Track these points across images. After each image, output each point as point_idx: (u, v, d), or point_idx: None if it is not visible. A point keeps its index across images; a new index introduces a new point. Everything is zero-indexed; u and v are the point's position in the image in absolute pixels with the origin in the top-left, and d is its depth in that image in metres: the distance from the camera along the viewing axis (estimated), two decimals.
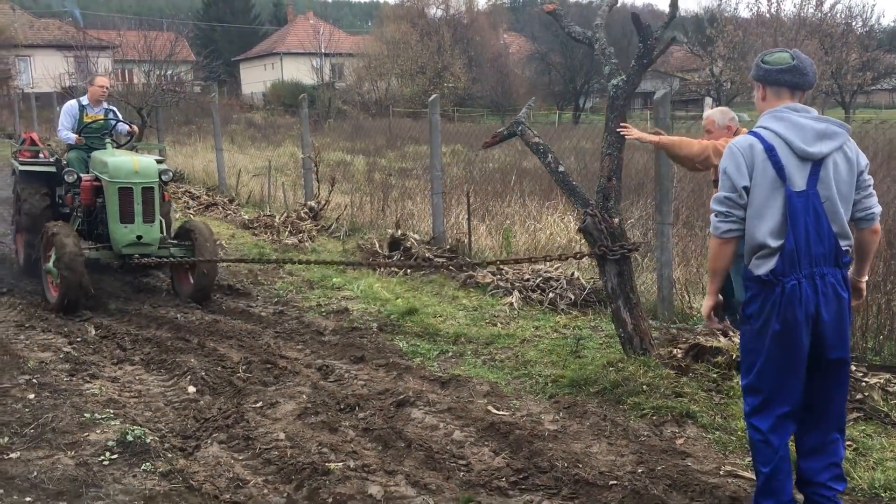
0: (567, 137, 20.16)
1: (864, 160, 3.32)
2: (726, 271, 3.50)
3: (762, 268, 3.25)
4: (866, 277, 3.56)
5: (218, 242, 10.15)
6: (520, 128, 5.72)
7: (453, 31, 49.03)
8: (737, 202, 3.26)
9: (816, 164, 3.18)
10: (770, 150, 3.19)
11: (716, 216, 3.35)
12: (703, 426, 4.71)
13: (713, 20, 40.69)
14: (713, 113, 5.82)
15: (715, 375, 5.13)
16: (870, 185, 3.33)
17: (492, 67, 50.25)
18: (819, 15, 36.60)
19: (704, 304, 3.64)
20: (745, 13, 64.58)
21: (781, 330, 3.23)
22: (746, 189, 3.23)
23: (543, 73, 55.22)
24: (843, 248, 3.25)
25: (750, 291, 3.35)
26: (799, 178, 3.17)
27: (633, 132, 5.32)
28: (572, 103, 53.87)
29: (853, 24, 39.73)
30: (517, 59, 56.40)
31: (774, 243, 3.20)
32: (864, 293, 3.60)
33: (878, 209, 3.35)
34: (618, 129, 5.24)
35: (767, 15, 37.40)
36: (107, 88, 8.65)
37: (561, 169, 5.51)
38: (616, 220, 5.18)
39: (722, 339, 5.45)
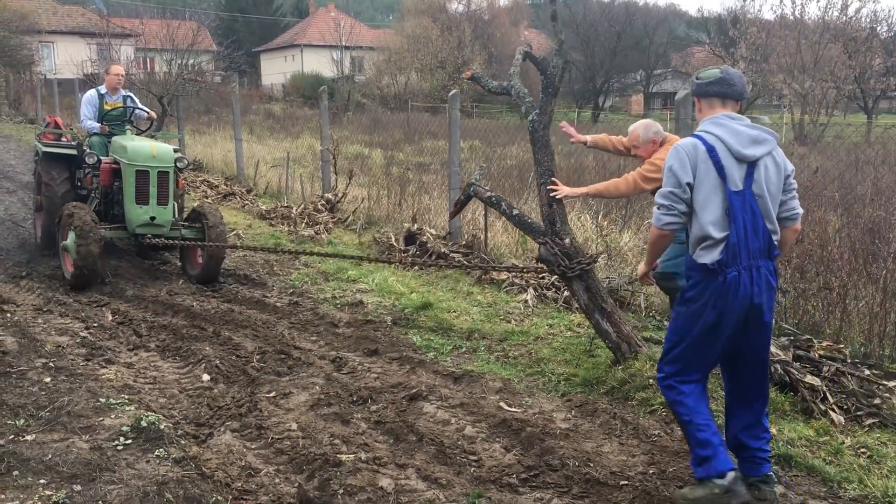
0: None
1: (790, 165, 3.65)
2: (660, 254, 3.94)
3: (706, 257, 3.54)
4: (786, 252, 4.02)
5: (235, 232, 10.24)
6: (472, 188, 6.06)
7: (474, 26, 48.88)
8: (680, 197, 3.55)
9: (751, 166, 3.51)
10: (711, 151, 3.50)
11: (658, 209, 3.64)
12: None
13: (736, 21, 40.34)
14: (637, 127, 5.63)
15: None
16: (794, 189, 3.68)
17: (512, 64, 50.10)
18: (843, 19, 36.20)
19: (640, 269, 4.21)
20: (768, 15, 64.11)
21: (716, 315, 3.54)
22: (690, 185, 3.53)
23: (563, 70, 55.03)
24: (774, 242, 3.57)
25: (692, 279, 3.64)
26: (737, 178, 3.49)
27: (562, 190, 5.42)
28: (592, 102, 53.67)
29: (878, 28, 39.33)
30: (538, 56, 56.21)
31: (718, 235, 3.50)
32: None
33: (800, 210, 3.71)
34: (550, 192, 5.40)
35: (791, 17, 37.04)
36: (122, 76, 9.01)
37: (515, 212, 5.75)
38: (567, 240, 5.31)
39: None
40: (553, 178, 5.45)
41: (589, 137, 6.00)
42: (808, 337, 5.57)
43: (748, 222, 3.48)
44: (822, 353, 5.33)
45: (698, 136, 3.57)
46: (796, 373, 5.03)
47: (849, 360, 5.31)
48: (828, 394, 4.87)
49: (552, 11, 6.17)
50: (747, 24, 38.29)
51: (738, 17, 41.54)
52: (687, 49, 62.90)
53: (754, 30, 37.66)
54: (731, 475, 3.57)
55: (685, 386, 3.72)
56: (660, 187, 4.44)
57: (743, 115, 3.62)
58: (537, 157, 5.53)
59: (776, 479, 3.86)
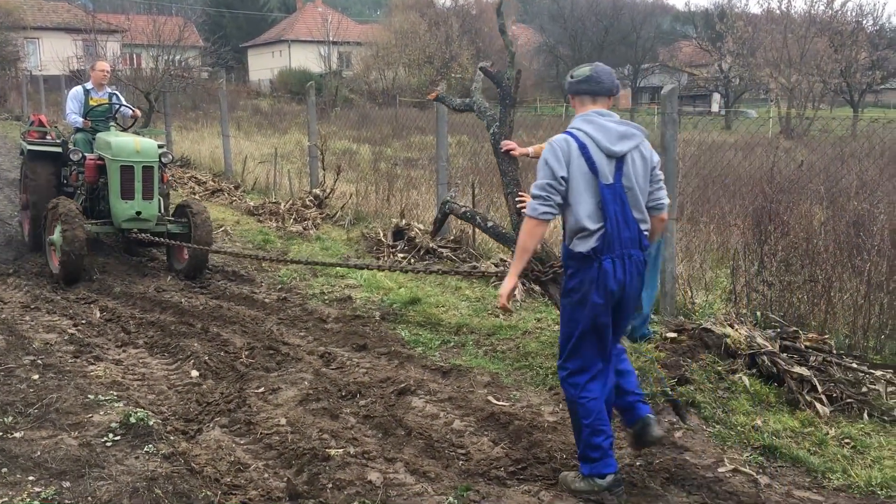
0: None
1: (656, 157, 3.84)
2: (533, 251, 3.93)
3: (582, 246, 3.73)
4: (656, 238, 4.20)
5: (223, 228, 10.23)
6: (448, 206, 6.13)
7: (462, 21, 48.82)
8: (556, 189, 3.71)
9: (620, 161, 3.69)
10: (583, 148, 3.68)
11: (535, 199, 3.77)
12: (704, 418, 4.73)
13: (723, 16, 40.51)
14: None
15: (720, 369, 5.13)
16: (661, 180, 3.88)
17: (499, 59, 50.12)
18: (829, 12, 36.38)
19: (506, 284, 3.98)
20: (755, 9, 64.36)
21: (597, 301, 3.71)
22: (564, 178, 3.69)
23: (551, 65, 55.12)
24: (644, 232, 3.78)
25: (570, 269, 3.83)
26: (607, 172, 3.67)
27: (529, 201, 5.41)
28: None
29: (863, 22, 39.53)
30: (525, 52, 56.17)
31: (593, 226, 3.68)
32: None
33: (666, 200, 3.90)
34: (518, 203, 5.37)
35: (778, 11, 37.21)
36: (108, 73, 9.03)
37: (489, 224, 5.80)
38: (538, 246, 5.29)
39: (730, 328, 5.44)
40: (520, 192, 5.39)
41: (531, 149, 5.99)
42: (795, 329, 5.62)
43: (619, 214, 3.68)
44: (808, 344, 5.38)
45: (570, 133, 3.73)
46: (783, 363, 5.07)
47: (834, 352, 5.36)
48: (816, 383, 4.93)
49: (500, 25, 6.34)
50: (734, 18, 38.48)
51: (725, 11, 41.73)
52: (674, 43, 63.04)
53: (741, 24, 37.84)
54: (610, 478, 3.77)
55: (591, 385, 3.82)
56: None
57: (612, 112, 3.78)
58: (502, 168, 5.59)
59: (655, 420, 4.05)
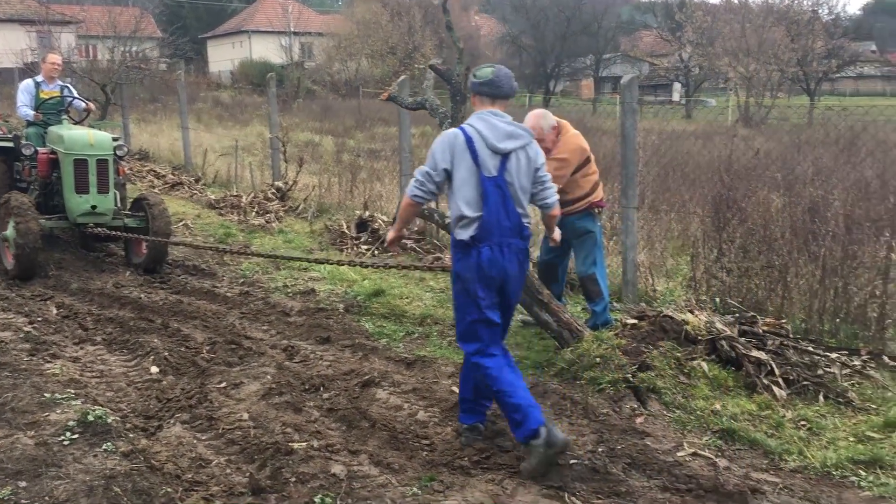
0: None
1: (541, 160, 4.09)
2: (410, 222, 4.50)
3: (464, 234, 3.98)
4: (554, 234, 4.70)
5: (183, 222, 10.10)
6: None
7: (424, 11, 48.67)
8: (433, 178, 4.00)
9: (505, 157, 3.94)
10: (469, 142, 3.93)
11: (414, 181, 4.06)
12: (665, 404, 4.79)
13: (682, 5, 40.89)
14: (537, 121, 5.66)
15: (679, 355, 5.18)
16: (545, 180, 4.14)
17: (463, 49, 50.05)
18: (786, 2, 36.92)
19: (389, 235, 4.45)
20: None
21: (480, 286, 3.98)
22: (446, 171, 3.97)
23: (514, 55, 55.13)
24: (525, 224, 4.01)
25: (455, 256, 4.08)
26: (491, 166, 3.91)
27: None
28: (542, 86, 53.91)
29: (819, 11, 40.19)
30: (488, 42, 56.22)
31: (472, 214, 3.93)
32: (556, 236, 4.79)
33: (552, 199, 4.18)
34: None
35: (736, 1, 37.65)
36: (59, 65, 8.89)
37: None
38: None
39: (690, 314, 5.50)
40: None
41: None
42: (753, 314, 5.71)
43: (499, 205, 3.92)
44: (765, 329, 5.47)
45: (462, 128, 4.01)
46: (742, 347, 5.15)
47: (791, 336, 5.46)
48: (774, 367, 5.01)
49: (446, 22, 6.43)
50: (693, 8, 38.87)
51: (685, 1, 42.10)
52: (635, 33, 63.54)
53: (700, 14, 38.28)
54: (542, 431, 3.87)
55: (489, 360, 4.05)
56: (573, 172, 5.51)
57: (505, 113, 4.04)
58: None
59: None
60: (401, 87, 9.26)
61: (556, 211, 4.29)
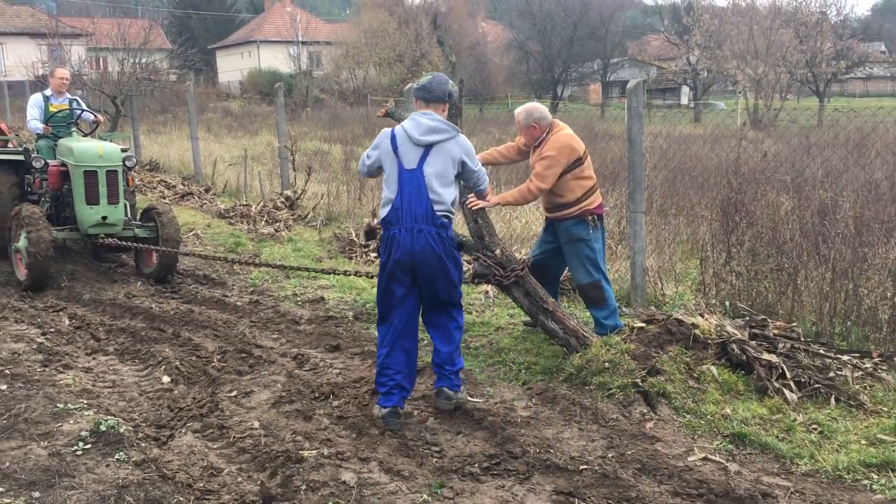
0: None
1: (464, 154, 4.52)
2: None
3: (383, 212, 4.52)
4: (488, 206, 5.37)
5: (193, 232, 10.15)
6: None
7: (433, 16, 48.78)
8: (366, 162, 4.69)
9: (426, 150, 4.40)
10: (393, 138, 4.49)
11: (361, 160, 4.78)
12: (675, 408, 4.79)
13: (690, 9, 40.85)
14: (519, 112, 5.75)
15: (688, 359, 5.17)
16: (475, 171, 4.65)
17: (470, 56, 50.13)
18: (794, 4, 36.85)
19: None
20: (721, 2, 64.95)
21: (391, 265, 4.44)
22: (370, 157, 4.62)
23: (521, 61, 55.19)
24: (438, 212, 4.39)
25: (382, 236, 4.61)
26: (411, 158, 4.41)
27: (477, 202, 5.45)
28: (550, 91, 53.92)
29: (828, 13, 40.07)
30: (495, 48, 56.30)
31: (390, 196, 4.45)
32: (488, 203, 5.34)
33: (483, 185, 4.83)
34: (467, 203, 5.50)
35: (743, 4, 37.59)
36: (67, 80, 9.00)
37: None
38: (497, 251, 5.42)
39: (699, 318, 5.49)
40: (469, 194, 5.42)
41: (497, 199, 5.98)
42: (763, 317, 5.69)
43: (413, 193, 4.37)
44: (776, 332, 5.45)
45: (392, 129, 4.56)
46: (752, 351, 5.14)
47: (802, 339, 5.44)
48: (785, 369, 5.00)
49: (438, 37, 6.41)
50: (700, 11, 38.81)
51: (692, 4, 42.05)
52: (643, 37, 63.47)
53: (707, 17, 38.21)
54: (384, 411, 4.56)
55: (386, 338, 4.60)
56: (559, 178, 5.56)
57: (435, 113, 4.49)
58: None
59: (452, 396, 4.75)
60: (408, 95, 9.32)
61: (489, 196, 5.13)
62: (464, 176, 4.67)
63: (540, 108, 5.74)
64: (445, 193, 4.45)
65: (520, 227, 9.18)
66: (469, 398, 4.92)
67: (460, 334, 4.81)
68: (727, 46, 36.70)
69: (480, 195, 5.04)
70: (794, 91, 38.80)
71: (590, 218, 5.67)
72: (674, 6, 53.72)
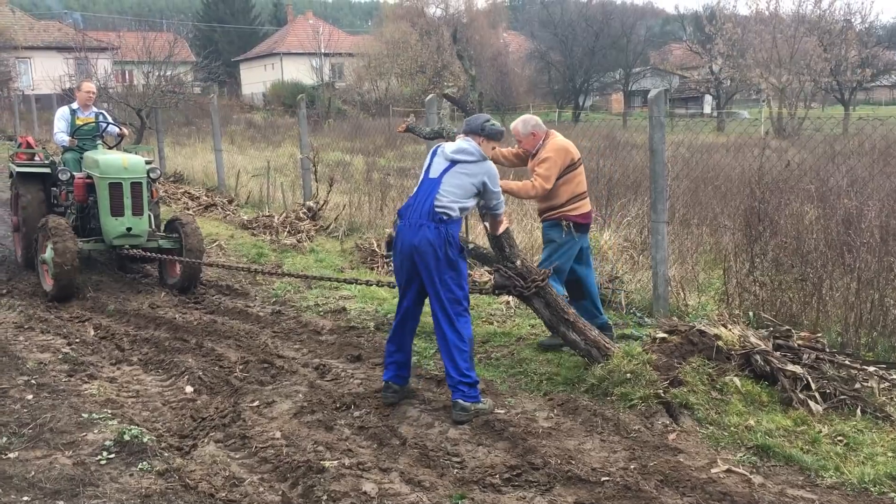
0: (567, 135, 20.10)
1: (486, 176, 5.00)
2: None
3: (400, 208, 5.13)
4: (497, 231, 5.35)
5: (217, 243, 10.24)
6: None
7: (453, 29, 48.97)
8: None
9: (451, 165, 5.01)
10: (434, 152, 5.17)
11: None
12: (698, 419, 4.75)
13: (712, 18, 40.62)
14: (517, 123, 6.01)
15: (711, 370, 5.13)
16: (494, 192, 5.07)
17: (491, 66, 50.22)
18: (818, 12, 36.52)
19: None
20: (744, 10, 64.52)
21: (395, 252, 5.05)
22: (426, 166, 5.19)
23: (543, 71, 55.19)
24: (437, 210, 4.87)
25: None
26: (437, 169, 5.03)
27: (496, 230, 5.53)
28: (572, 101, 53.85)
29: (852, 20, 39.68)
30: (517, 58, 56.35)
31: (410, 196, 5.10)
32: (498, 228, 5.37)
33: (499, 210, 5.18)
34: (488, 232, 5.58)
35: (766, 12, 37.35)
36: (93, 94, 9.11)
37: (471, 246, 5.93)
38: (517, 262, 5.46)
39: (723, 328, 5.45)
40: (484, 220, 5.57)
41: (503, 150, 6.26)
42: (787, 327, 5.63)
43: (426, 195, 4.94)
44: (800, 342, 5.39)
45: (440, 144, 5.21)
46: (777, 362, 5.08)
47: (827, 350, 5.37)
48: (810, 381, 4.94)
49: (457, 51, 6.51)
50: (723, 20, 38.56)
51: (715, 13, 41.83)
52: (665, 46, 63.25)
53: (730, 25, 37.93)
54: (383, 385, 5.16)
55: (395, 318, 5.18)
56: (558, 179, 5.80)
57: (472, 139, 5.08)
58: None
59: (467, 408, 4.84)
60: (429, 105, 9.36)
61: (502, 219, 5.27)
62: (484, 196, 5.08)
63: (534, 117, 6.08)
64: (450, 199, 4.93)
65: (540, 237, 9.15)
66: (486, 410, 4.90)
67: (459, 342, 4.91)
68: (750, 55, 36.45)
69: (495, 218, 5.26)
70: (819, 99, 38.44)
71: (564, 223, 5.89)
72: (696, 15, 53.47)
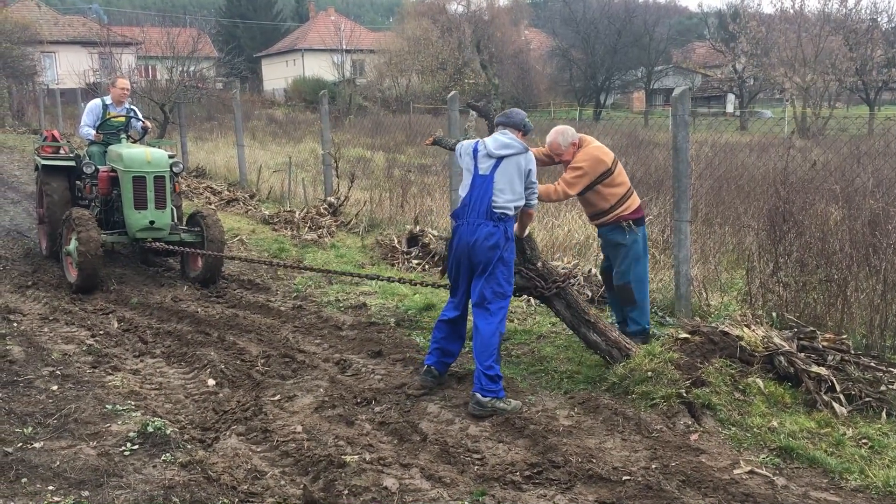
0: (588, 134, 20.02)
1: (531, 167, 5.18)
2: None
3: (457, 208, 5.25)
4: (524, 233, 5.53)
5: (238, 238, 10.30)
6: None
7: (474, 27, 48.87)
8: (460, 164, 5.37)
9: (498, 161, 5.12)
10: (475, 151, 5.22)
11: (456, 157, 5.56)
12: (720, 420, 4.72)
13: (736, 16, 40.30)
14: (555, 137, 5.97)
15: (734, 371, 5.10)
16: (533, 184, 5.25)
17: (512, 64, 50.11)
18: (844, 11, 36.12)
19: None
20: (768, 9, 63.91)
21: (451, 250, 5.22)
22: (462, 165, 5.30)
23: (564, 69, 55.00)
24: (495, 209, 5.03)
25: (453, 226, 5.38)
26: (486, 167, 5.13)
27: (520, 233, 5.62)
28: (593, 99, 53.64)
29: (878, 19, 39.24)
30: (538, 56, 56.19)
31: (462, 195, 5.20)
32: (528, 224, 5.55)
33: (533, 201, 5.30)
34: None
35: (791, 11, 36.99)
36: (128, 90, 9.16)
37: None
38: (538, 264, 5.57)
39: (746, 329, 5.41)
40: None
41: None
42: (812, 328, 5.58)
43: (480, 194, 5.07)
44: (825, 344, 5.34)
45: (476, 141, 5.29)
46: (801, 363, 5.04)
47: (852, 352, 5.32)
48: (835, 382, 4.89)
49: (481, 61, 6.55)
50: (747, 18, 38.23)
51: (738, 11, 41.48)
52: (688, 45, 62.82)
53: (754, 24, 37.61)
54: (424, 367, 5.32)
55: (445, 307, 5.43)
56: (588, 188, 5.84)
57: (510, 132, 5.22)
58: None
59: (483, 402, 4.89)
60: (451, 102, 9.36)
61: (532, 212, 5.47)
62: (525, 186, 5.21)
63: (569, 128, 6.08)
64: (507, 197, 5.07)
65: (562, 236, 9.14)
66: (505, 409, 4.88)
67: (492, 335, 5.02)
68: (774, 54, 36.14)
69: (527, 209, 5.33)
70: (843, 99, 38.05)
71: (625, 224, 5.91)
72: (720, 13, 53.06)
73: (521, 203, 5.17)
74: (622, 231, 5.94)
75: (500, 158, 5.12)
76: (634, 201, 6.02)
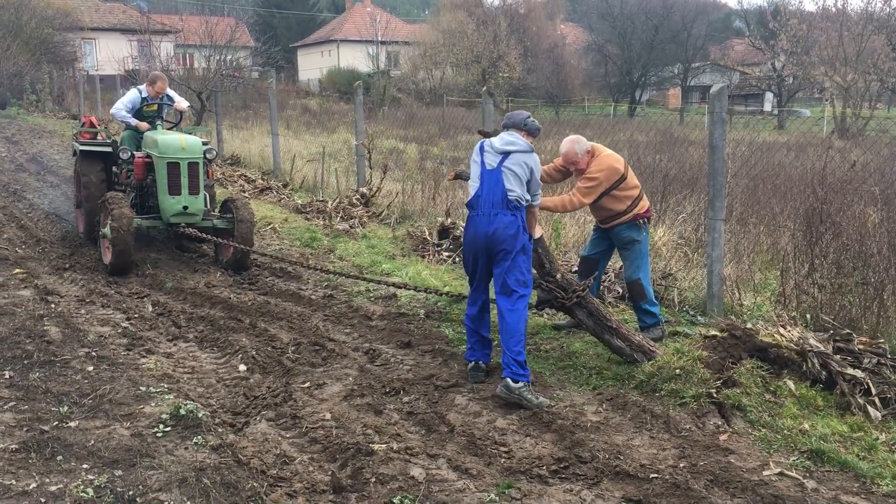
0: (622, 130, 19.93)
1: (534, 165, 5.31)
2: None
3: (468, 200, 5.38)
4: (536, 233, 5.57)
5: (271, 226, 10.39)
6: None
7: (510, 20, 48.67)
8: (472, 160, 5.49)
9: (504, 156, 5.27)
10: (481, 149, 5.40)
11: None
12: (750, 421, 4.68)
13: (777, 13, 39.71)
14: (571, 147, 6.04)
15: (764, 372, 5.05)
16: (538, 183, 5.38)
17: (547, 58, 49.86)
18: (887, 10, 35.42)
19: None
20: (810, 6, 62.91)
21: (467, 241, 5.35)
22: (474, 161, 5.42)
23: (600, 64, 54.58)
24: (511, 198, 5.17)
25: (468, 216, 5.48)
26: (492, 161, 5.30)
27: (535, 230, 5.66)
28: (628, 96, 53.19)
29: None
30: (573, 50, 55.83)
31: (474, 187, 5.33)
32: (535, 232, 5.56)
33: (536, 201, 5.41)
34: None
35: (833, 9, 36.36)
36: (163, 93, 9.27)
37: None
38: (558, 276, 5.63)
39: (780, 329, 5.36)
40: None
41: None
42: (848, 331, 5.50)
43: (492, 185, 5.22)
44: (861, 347, 5.26)
45: (482, 141, 5.46)
46: (836, 365, 4.98)
47: (888, 355, 5.24)
48: (871, 385, 4.83)
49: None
50: (788, 16, 37.66)
51: (779, 8, 40.87)
52: (726, 42, 62.00)
53: (795, 21, 37.04)
54: (470, 364, 5.45)
55: (469, 304, 5.51)
56: (603, 195, 5.98)
57: (514, 132, 5.38)
58: None
59: (511, 386, 4.95)
60: (485, 96, 9.34)
61: (536, 211, 5.52)
62: (529, 185, 5.33)
63: (580, 137, 6.18)
64: (518, 187, 5.21)
65: (571, 235, 9.08)
66: (531, 401, 4.89)
67: (517, 323, 5.12)
68: (815, 52, 35.56)
69: (531, 208, 5.44)
70: (885, 100, 37.33)
71: (640, 221, 6.12)
72: (760, 10, 52.32)
73: (528, 196, 5.32)
74: (637, 228, 6.14)
75: (506, 154, 5.29)
76: (645, 201, 6.25)
